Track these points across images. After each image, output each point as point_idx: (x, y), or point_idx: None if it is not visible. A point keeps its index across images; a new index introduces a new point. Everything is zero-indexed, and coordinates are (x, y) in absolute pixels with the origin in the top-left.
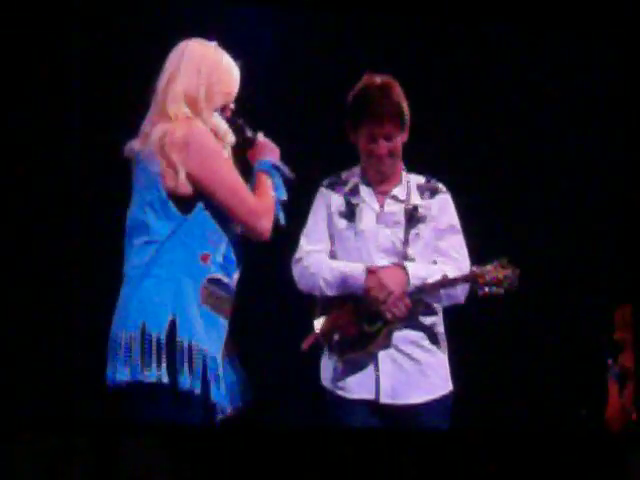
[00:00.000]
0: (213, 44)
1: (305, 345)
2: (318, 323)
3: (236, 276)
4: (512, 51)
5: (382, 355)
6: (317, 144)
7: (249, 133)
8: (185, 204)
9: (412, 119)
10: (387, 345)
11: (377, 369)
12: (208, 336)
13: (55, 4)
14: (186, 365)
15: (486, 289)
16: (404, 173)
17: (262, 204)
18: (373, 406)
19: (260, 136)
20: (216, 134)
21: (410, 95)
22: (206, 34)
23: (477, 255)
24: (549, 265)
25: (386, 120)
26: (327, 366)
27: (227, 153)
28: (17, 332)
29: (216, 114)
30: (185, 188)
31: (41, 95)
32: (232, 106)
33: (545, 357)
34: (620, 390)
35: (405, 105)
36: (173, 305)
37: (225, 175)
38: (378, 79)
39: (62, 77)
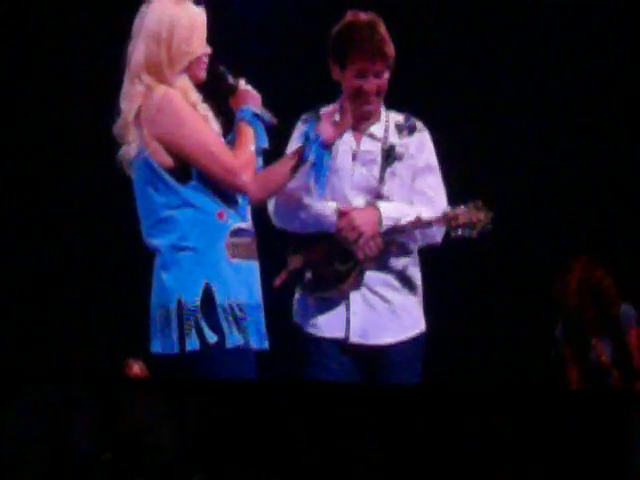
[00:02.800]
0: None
1: (277, 282)
2: (291, 260)
3: (249, 213)
4: None
5: (353, 295)
6: (300, 86)
7: (230, 80)
8: (182, 173)
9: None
10: (359, 285)
11: (348, 308)
12: (245, 287)
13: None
14: (231, 324)
15: (459, 231)
16: (383, 111)
17: (240, 159)
18: (343, 345)
19: (242, 83)
20: (185, 96)
21: (390, 30)
22: None
23: (453, 196)
24: (523, 208)
25: (377, 56)
26: (299, 303)
27: (203, 108)
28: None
29: (184, 77)
30: (173, 158)
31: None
32: (207, 52)
33: (518, 300)
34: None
35: (392, 44)
36: (205, 271)
37: (198, 137)
38: (364, 15)
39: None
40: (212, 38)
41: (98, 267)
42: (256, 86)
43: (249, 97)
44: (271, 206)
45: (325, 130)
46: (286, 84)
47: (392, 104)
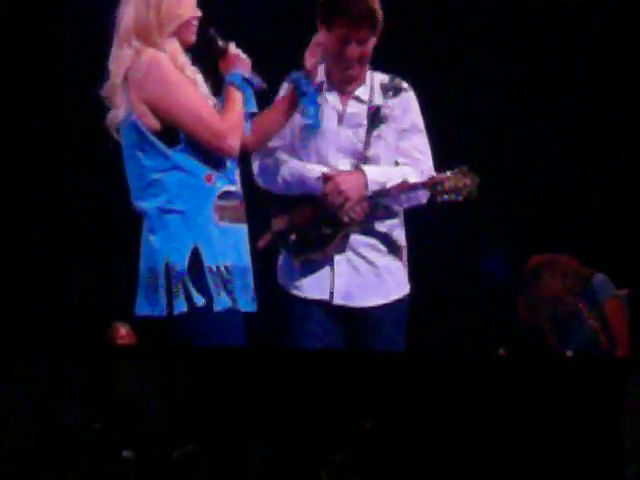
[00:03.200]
0: None
1: (261, 243)
2: (276, 222)
3: (238, 177)
4: None
5: (338, 257)
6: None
7: (220, 43)
8: (170, 136)
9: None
10: (344, 248)
11: (332, 270)
12: (234, 249)
13: None
14: (219, 287)
15: (445, 196)
16: (369, 72)
17: (227, 123)
18: (327, 307)
19: (232, 47)
20: (173, 60)
21: None
22: None
23: (440, 160)
24: (510, 175)
25: (362, 24)
26: (284, 265)
27: (191, 71)
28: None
29: (173, 40)
30: (160, 122)
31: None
32: (197, 15)
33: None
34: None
35: (380, 9)
36: (193, 234)
37: (185, 101)
38: None
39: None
40: (203, 1)
41: (84, 232)
42: (247, 49)
43: (239, 61)
44: (256, 167)
45: (308, 60)
46: (278, 48)
47: (379, 66)
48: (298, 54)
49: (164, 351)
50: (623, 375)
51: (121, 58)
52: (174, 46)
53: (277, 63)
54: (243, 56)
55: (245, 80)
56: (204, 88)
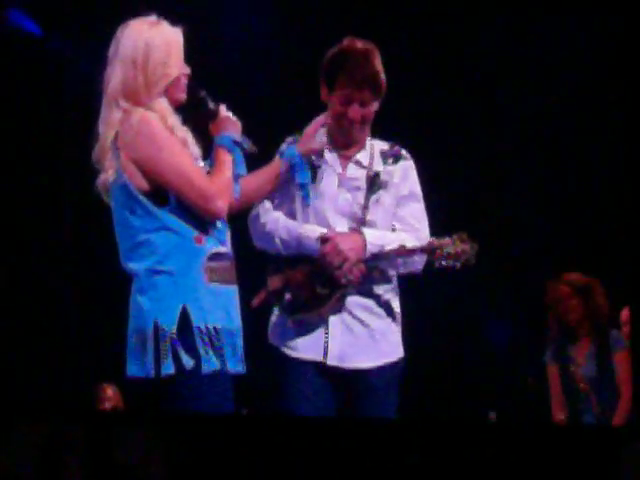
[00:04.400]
0: (149, 20)
1: (256, 302)
2: (271, 281)
3: (229, 238)
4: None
5: (333, 318)
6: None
7: (211, 105)
8: (159, 197)
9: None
10: (339, 309)
11: (327, 331)
12: (223, 311)
13: None
14: (208, 349)
15: (443, 262)
16: (369, 139)
17: (215, 185)
18: (320, 367)
19: (222, 109)
20: (163, 120)
21: (384, 60)
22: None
23: (439, 227)
24: (508, 242)
25: (365, 86)
26: (277, 324)
27: (181, 131)
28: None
29: (162, 100)
30: (150, 182)
31: None
32: (186, 72)
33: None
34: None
35: (383, 74)
36: (182, 295)
37: (174, 161)
38: (360, 44)
39: None
40: (197, 60)
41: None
42: (243, 111)
43: (229, 123)
44: (253, 227)
45: (303, 141)
46: (272, 107)
47: (380, 133)
48: (294, 116)
49: (160, 417)
50: (619, 444)
51: (110, 120)
52: (163, 105)
53: (273, 124)
54: (234, 119)
55: (235, 143)
56: (195, 149)
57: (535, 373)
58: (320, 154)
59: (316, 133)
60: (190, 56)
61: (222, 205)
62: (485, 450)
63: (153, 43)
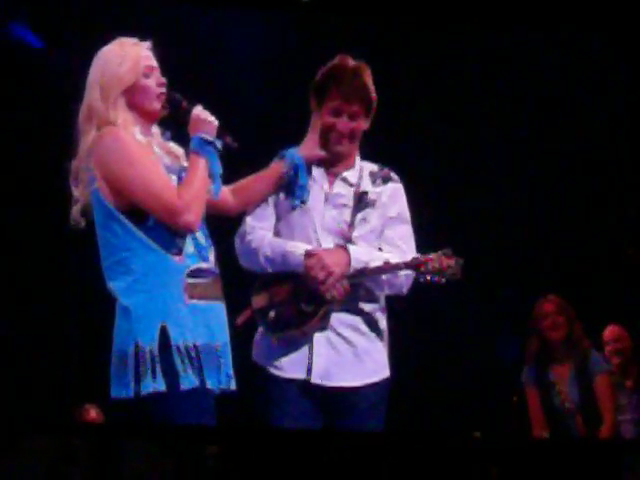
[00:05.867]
0: (115, 41)
1: (240, 320)
2: (255, 299)
3: (212, 253)
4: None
5: (317, 336)
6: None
7: (184, 106)
8: (137, 214)
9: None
10: (323, 326)
11: (311, 349)
12: (205, 327)
13: None
14: (187, 366)
15: (428, 277)
16: (358, 160)
17: (182, 198)
18: (305, 386)
19: (196, 109)
20: (125, 130)
21: (377, 82)
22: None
23: (425, 248)
24: (493, 260)
25: (354, 99)
26: (261, 343)
27: (147, 142)
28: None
29: (122, 111)
30: (125, 199)
31: None
32: (152, 80)
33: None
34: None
35: (373, 91)
36: (161, 313)
37: (140, 177)
38: (351, 61)
39: None
40: (194, 72)
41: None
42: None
43: (200, 123)
44: (238, 246)
45: (306, 145)
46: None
47: (369, 155)
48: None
49: (167, 431)
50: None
51: (82, 144)
52: (125, 116)
53: (269, 133)
54: (208, 117)
55: (206, 142)
56: (165, 159)
57: (519, 392)
58: (309, 170)
59: (317, 138)
60: (182, 70)
61: (191, 218)
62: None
63: (108, 58)
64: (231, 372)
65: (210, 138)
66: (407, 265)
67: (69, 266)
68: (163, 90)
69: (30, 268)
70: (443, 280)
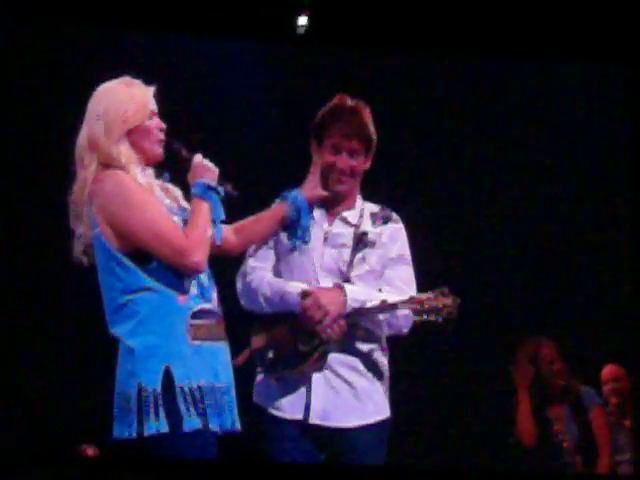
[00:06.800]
0: (118, 80)
1: (239, 360)
2: (254, 339)
3: (215, 294)
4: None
5: (316, 376)
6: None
7: (184, 154)
8: (140, 256)
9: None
10: (321, 366)
11: (309, 389)
12: (209, 368)
13: None
14: (190, 408)
15: (424, 316)
16: (360, 200)
17: (189, 239)
18: (303, 426)
19: (197, 157)
20: (126, 168)
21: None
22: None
23: (425, 285)
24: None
25: (352, 135)
26: (260, 383)
27: (148, 184)
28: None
29: (123, 147)
30: (127, 241)
31: None
32: (152, 125)
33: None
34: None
35: (373, 130)
36: (165, 355)
37: (145, 220)
38: (350, 101)
39: None
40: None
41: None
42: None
43: (202, 170)
44: (239, 286)
45: (308, 186)
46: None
47: (370, 196)
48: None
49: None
50: None
51: (81, 179)
52: (130, 155)
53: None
54: (209, 165)
55: (209, 188)
56: (167, 201)
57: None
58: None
59: (318, 178)
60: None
61: (199, 259)
62: None
63: (115, 96)
64: (235, 412)
65: (213, 184)
66: (404, 304)
67: (68, 304)
68: (162, 136)
69: (29, 305)
70: (440, 319)
